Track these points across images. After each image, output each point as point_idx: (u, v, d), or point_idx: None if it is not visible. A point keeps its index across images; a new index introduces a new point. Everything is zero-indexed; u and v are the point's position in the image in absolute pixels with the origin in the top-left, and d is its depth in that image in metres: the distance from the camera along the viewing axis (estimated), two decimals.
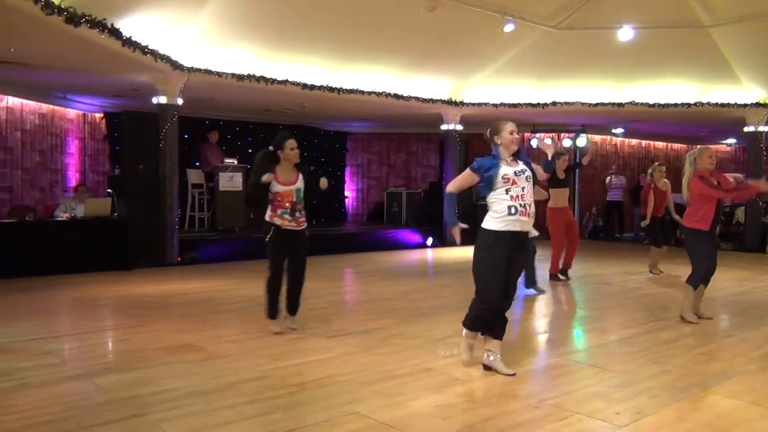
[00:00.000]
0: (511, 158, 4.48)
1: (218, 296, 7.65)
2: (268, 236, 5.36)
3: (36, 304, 7.08)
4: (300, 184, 5.49)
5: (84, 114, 12.80)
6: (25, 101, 11.15)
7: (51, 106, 11.83)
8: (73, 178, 12.45)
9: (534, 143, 15.92)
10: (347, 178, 17.04)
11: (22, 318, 6.27)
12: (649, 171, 9.72)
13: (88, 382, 4.25)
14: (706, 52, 11.49)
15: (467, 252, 12.68)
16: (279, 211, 5.36)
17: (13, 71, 9.26)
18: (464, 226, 4.59)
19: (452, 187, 4.67)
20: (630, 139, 18.22)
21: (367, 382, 4.25)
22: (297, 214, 5.42)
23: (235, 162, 11.91)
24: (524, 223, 4.38)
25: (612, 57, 11.88)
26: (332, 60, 11.16)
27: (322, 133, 16.22)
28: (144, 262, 9.76)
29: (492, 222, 4.40)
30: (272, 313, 5.57)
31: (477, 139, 16.52)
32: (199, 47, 9.77)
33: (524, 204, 4.35)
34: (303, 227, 5.50)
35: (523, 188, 4.37)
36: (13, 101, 10.91)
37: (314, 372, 4.47)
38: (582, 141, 15.74)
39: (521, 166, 4.46)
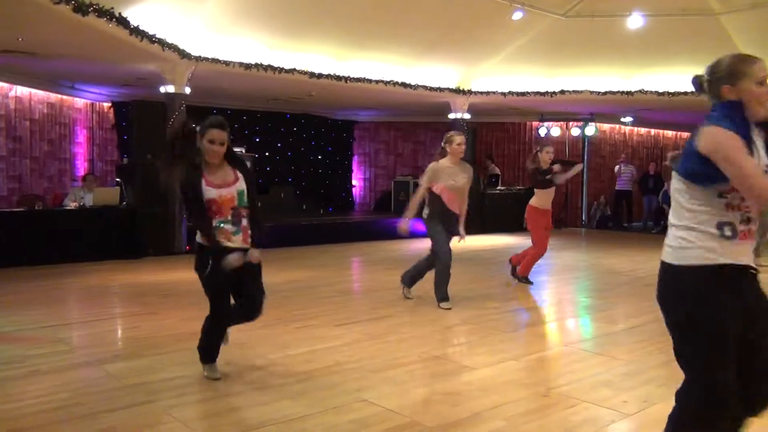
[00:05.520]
0: None
1: None
2: (208, 269, 3.78)
3: (46, 292, 7.12)
4: (240, 182, 3.90)
5: (92, 103, 12.84)
6: (33, 91, 11.19)
7: (59, 96, 11.87)
8: (81, 167, 12.51)
9: (542, 132, 15.88)
10: (354, 167, 17.03)
11: (32, 306, 6.31)
12: None
13: (98, 369, 4.28)
14: (716, 40, 11.36)
15: (475, 240, 12.62)
16: (215, 221, 3.82)
17: (22, 60, 9.28)
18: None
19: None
20: (639, 128, 18.11)
21: (375, 370, 4.26)
22: (243, 222, 3.90)
23: (243, 151, 11.93)
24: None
25: (621, 45, 11.79)
26: (340, 48, 11.13)
27: (329, 122, 16.21)
28: (152, 251, 9.80)
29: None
30: (211, 356, 4.11)
31: (485, 128, 16.52)
32: (207, 36, 9.76)
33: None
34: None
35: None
36: (21, 91, 10.95)
37: (322, 360, 4.49)
38: (591, 130, 15.67)
39: None
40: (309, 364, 4.38)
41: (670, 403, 3.70)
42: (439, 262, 6.13)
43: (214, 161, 3.82)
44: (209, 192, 3.79)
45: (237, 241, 3.85)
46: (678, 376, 4.18)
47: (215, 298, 3.91)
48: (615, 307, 6.66)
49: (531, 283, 7.58)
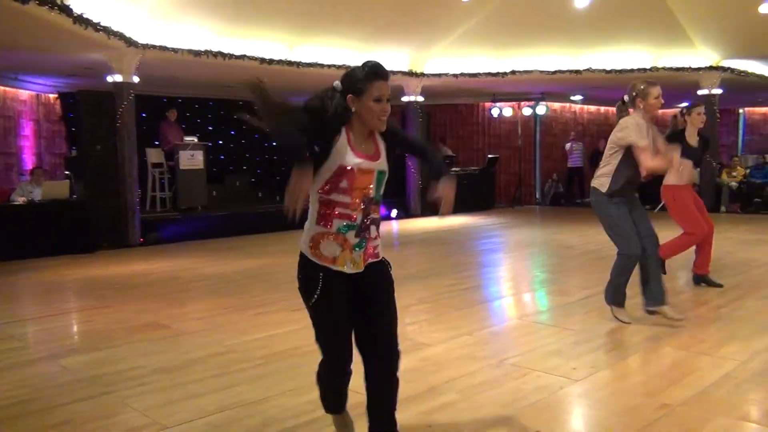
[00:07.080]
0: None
1: (182, 275, 7.63)
2: (317, 293, 2.62)
3: None
4: (383, 160, 2.61)
5: (37, 95, 12.49)
6: None
7: (2, 88, 11.50)
8: (28, 161, 12.18)
9: (494, 113, 16.05)
10: None
11: None
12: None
13: (54, 364, 4.25)
14: (660, 17, 11.65)
15: (431, 221, 12.73)
16: (334, 224, 2.55)
17: None
18: None
19: None
20: (589, 106, 18.45)
21: None
22: (371, 230, 2.62)
23: (195, 140, 11.77)
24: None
25: (569, 24, 11.97)
26: (290, 34, 11.05)
27: None
28: (106, 244, 9.65)
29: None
30: (335, 406, 2.96)
31: (439, 110, 16.63)
32: (154, 23, 9.57)
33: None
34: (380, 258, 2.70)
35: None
36: None
37: (280, 344, 4.53)
38: (542, 109, 15.92)
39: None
40: (266, 349, 4.41)
41: (616, 369, 3.89)
42: (622, 255, 4.66)
43: (381, 129, 2.54)
44: (349, 157, 2.49)
45: (356, 259, 2.59)
46: (625, 342, 4.36)
47: (327, 336, 2.66)
48: (567, 280, 6.85)
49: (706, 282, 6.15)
